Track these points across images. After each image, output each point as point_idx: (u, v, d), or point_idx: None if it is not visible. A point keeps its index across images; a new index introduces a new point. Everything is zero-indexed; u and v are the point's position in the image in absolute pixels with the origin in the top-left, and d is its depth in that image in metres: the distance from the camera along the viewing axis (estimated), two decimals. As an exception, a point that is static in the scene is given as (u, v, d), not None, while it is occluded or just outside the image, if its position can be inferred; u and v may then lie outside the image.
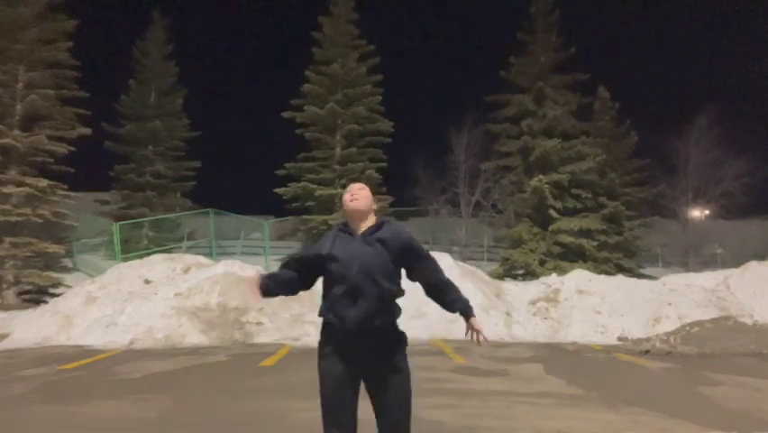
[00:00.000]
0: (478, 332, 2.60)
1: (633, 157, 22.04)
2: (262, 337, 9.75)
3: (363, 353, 2.47)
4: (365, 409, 2.57)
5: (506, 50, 22.22)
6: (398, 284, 2.60)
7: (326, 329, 2.55)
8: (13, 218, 13.97)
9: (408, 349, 2.64)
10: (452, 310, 2.67)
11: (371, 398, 2.53)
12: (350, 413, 2.48)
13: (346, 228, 2.66)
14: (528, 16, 20.28)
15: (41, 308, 11.40)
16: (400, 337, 2.58)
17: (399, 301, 2.61)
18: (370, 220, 2.65)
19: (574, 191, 18.38)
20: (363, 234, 2.60)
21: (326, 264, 2.56)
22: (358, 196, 2.64)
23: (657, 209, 21.99)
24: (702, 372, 6.97)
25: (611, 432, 4.31)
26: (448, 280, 2.70)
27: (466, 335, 2.65)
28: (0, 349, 9.06)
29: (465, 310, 2.65)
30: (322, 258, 2.58)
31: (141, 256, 14.81)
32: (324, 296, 2.58)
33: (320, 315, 2.57)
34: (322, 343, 2.56)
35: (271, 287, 2.63)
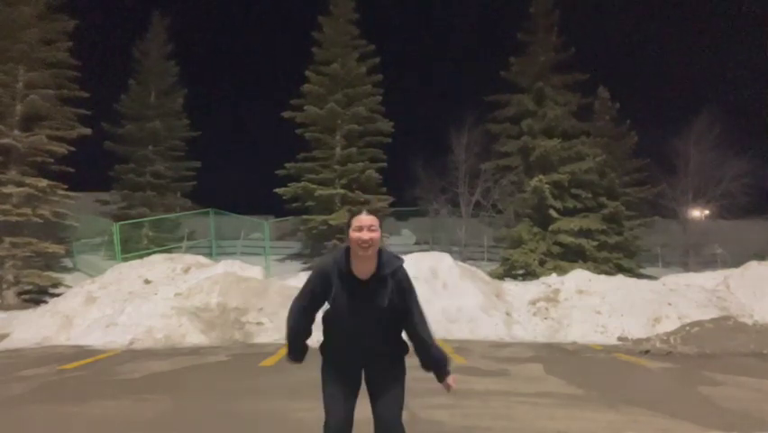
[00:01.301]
0: (449, 387, 2.61)
1: (633, 157, 22.07)
2: (262, 337, 9.74)
3: (365, 367, 2.59)
4: (365, 410, 2.58)
5: (506, 50, 22.26)
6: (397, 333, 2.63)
7: (329, 357, 2.62)
8: (13, 218, 13.97)
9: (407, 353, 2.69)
10: (428, 369, 2.61)
11: (372, 402, 2.58)
12: (347, 414, 2.53)
13: (347, 267, 2.49)
14: (528, 16, 20.29)
15: (41, 308, 11.40)
16: (401, 349, 2.64)
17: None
18: (376, 251, 2.50)
19: (574, 191, 18.37)
20: (370, 277, 2.48)
21: (330, 306, 2.57)
22: (369, 242, 2.42)
23: (657, 209, 22.00)
24: (702, 372, 6.97)
25: (611, 432, 4.31)
26: (429, 334, 2.60)
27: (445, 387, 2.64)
28: (0, 349, 9.06)
29: (440, 371, 2.60)
30: (324, 300, 2.57)
31: (141, 256, 14.80)
32: (325, 333, 2.63)
33: (322, 352, 2.63)
34: (324, 350, 2.64)
35: (300, 356, 2.69)
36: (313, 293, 2.57)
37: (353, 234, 2.44)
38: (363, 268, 2.47)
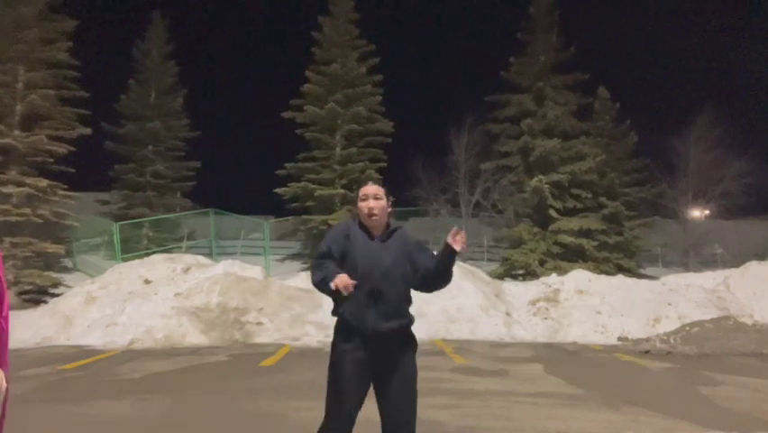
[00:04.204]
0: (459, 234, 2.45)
1: (633, 157, 22.03)
2: (262, 337, 9.75)
3: (378, 353, 2.51)
4: (371, 410, 2.58)
5: (506, 50, 22.23)
6: (410, 290, 2.64)
7: (343, 328, 2.58)
8: (13, 218, 13.95)
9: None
10: (437, 262, 2.55)
11: (379, 398, 2.56)
12: (355, 406, 2.50)
13: (363, 227, 2.65)
14: (528, 16, 20.25)
15: (41, 308, 11.40)
16: (413, 340, 2.65)
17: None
18: (385, 220, 2.66)
19: (574, 191, 18.35)
20: (382, 236, 2.62)
21: (348, 263, 2.56)
22: (376, 209, 2.59)
23: (657, 209, 21.96)
24: (702, 372, 6.97)
25: (611, 432, 4.31)
26: None
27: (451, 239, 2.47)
28: None
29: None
30: (347, 253, 2.57)
31: (141, 256, 14.80)
32: (341, 303, 2.57)
33: (335, 314, 2.59)
34: (338, 340, 2.59)
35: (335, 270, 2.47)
36: (330, 249, 2.57)
37: (360, 204, 2.62)
38: (374, 231, 2.63)
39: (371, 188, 2.62)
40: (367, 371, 2.52)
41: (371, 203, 2.59)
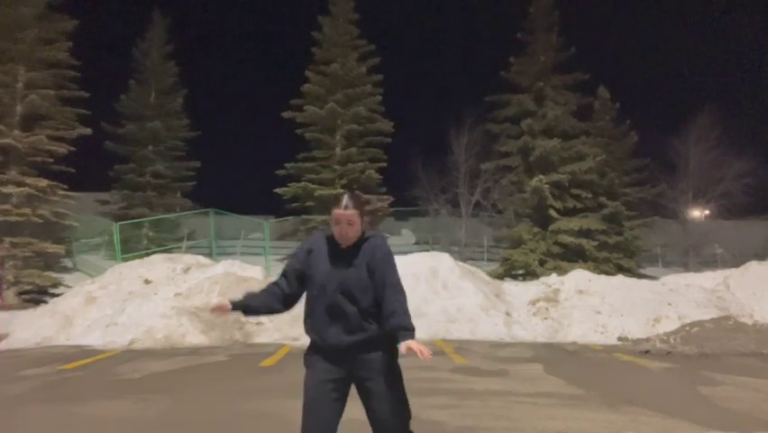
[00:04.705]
0: (419, 352, 2.26)
1: (633, 157, 22.06)
2: (262, 337, 9.75)
3: (349, 365, 2.48)
4: (361, 411, 2.57)
5: (506, 50, 22.19)
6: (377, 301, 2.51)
7: (311, 343, 2.58)
8: (13, 218, 13.97)
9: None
10: (387, 326, 2.39)
11: (366, 410, 2.52)
12: (329, 423, 2.45)
13: (332, 240, 2.55)
14: (528, 16, 20.25)
15: (41, 308, 11.40)
16: (387, 345, 2.49)
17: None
18: (357, 236, 2.54)
19: (574, 191, 18.35)
20: (349, 248, 2.51)
21: (307, 279, 2.55)
22: (350, 232, 2.48)
23: (657, 209, 21.98)
24: (702, 372, 6.97)
25: (611, 432, 4.31)
26: (402, 304, 2.41)
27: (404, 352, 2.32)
28: (0, 349, 9.06)
29: (401, 333, 2.33)
30: (304, 271, 2.56)
31: (141, 256, 14.79)
32: (306, 312, 2.57)
33: (305, 331, 2.59)
34: (308, 353, 2.58)
35: (251, 304, 2.62)
36: (286, 270, 2.62)
37: (333, 226, 2.52)
38: (343, 244, 2.54)
39: (345, 214, 2.45)
40: (337, 386, 2.47)
41: (344, 228, 2.47)
